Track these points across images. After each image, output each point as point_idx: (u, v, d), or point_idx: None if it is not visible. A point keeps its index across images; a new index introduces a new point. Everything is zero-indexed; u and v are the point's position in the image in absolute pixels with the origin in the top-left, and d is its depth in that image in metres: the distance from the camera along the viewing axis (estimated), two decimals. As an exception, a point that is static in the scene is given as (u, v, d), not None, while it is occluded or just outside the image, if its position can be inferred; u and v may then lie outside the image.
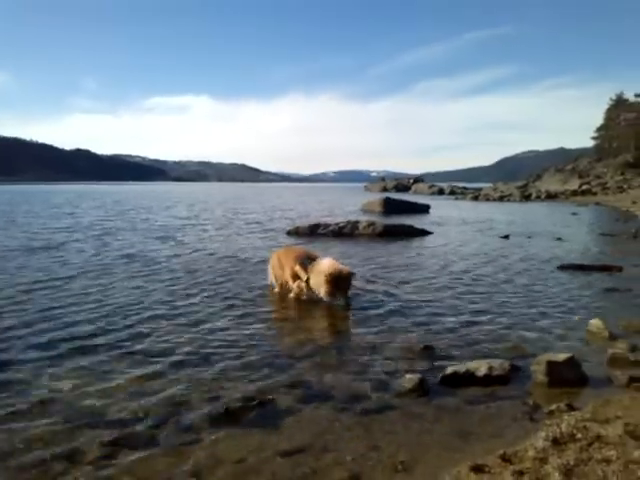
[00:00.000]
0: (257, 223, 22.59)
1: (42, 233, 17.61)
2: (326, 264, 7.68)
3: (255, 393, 4.53)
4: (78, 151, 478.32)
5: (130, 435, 3.80)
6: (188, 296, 8.19)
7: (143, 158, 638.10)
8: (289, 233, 17.79)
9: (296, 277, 8.07)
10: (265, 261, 10.39)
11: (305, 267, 7.92)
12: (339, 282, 7.51)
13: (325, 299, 7.62)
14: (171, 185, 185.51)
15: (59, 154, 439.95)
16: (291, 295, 8.13)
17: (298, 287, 8.05)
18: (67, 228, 19.59)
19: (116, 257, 12.20)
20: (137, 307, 7.43)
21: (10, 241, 15.01)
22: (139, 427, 3.93)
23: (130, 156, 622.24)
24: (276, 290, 8.57)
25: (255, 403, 4.30)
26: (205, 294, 8.35)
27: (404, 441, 3.75)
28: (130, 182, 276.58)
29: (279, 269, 8.56)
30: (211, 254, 12.86)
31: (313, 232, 17.50)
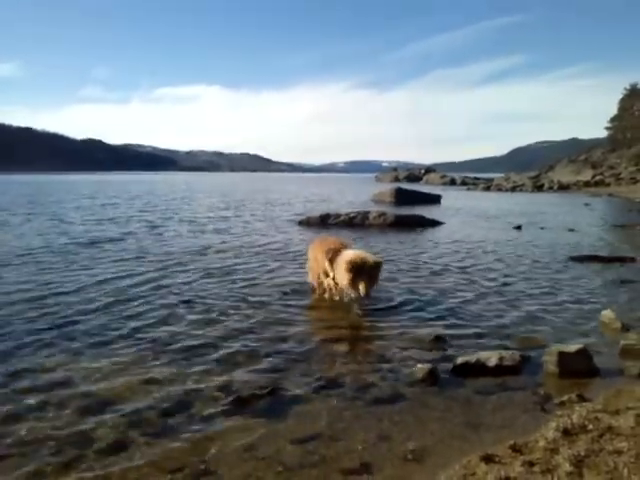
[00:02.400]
0: (294, 214, 21.57)
1: (90, 225, 16.96)
2: (350, 253, 6.81)
3: (266, 382, 4.55)
4: (90, 141, 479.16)
5: (142, 422, 3.83)
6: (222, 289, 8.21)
7: (154, 148, 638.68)
8: (300, 223, 17.78)
9: (327, 274, 7.22)
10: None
11: (332, 262, 7.03)
12: (363, 272, 6.52)
13: (347, 292, 6.86)
14: (188, 175, 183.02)
15: (71, 144, 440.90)
16: (325, 296, 7.36)
17: (328, 286, 7.28)
18: (113, 220, 18.83)
19: (185, 252, 11.57)
20: (160, 296, 7.49)
21: (66, 235, 14.29)
22: (151, 415, 3.96)
23: (141, 146, 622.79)
24: (314, 288, 7.80)
25: (266, 391, 4.32)
26: (244, 287, 8.27)
27: (414, 430, 3.76)
28: (144, 172, 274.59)
29: (315, 264, 7.68)
30: (261, 246, 12.64)
31: (324, 222, 17.49)
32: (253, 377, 4.68)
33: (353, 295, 6.76)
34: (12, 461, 3.34)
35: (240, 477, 3.17)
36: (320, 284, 7.58)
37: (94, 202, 29.26)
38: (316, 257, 7.54)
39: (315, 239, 8.43)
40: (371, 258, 6.67)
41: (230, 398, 4.20)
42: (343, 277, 6.65)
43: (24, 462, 3.32)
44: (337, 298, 7.17)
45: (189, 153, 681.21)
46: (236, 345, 5.52)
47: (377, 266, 6.66)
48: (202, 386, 4.47)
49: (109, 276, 8.76)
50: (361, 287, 6.51)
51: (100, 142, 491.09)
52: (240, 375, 4.72)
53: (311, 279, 7.91)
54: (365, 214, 17.87)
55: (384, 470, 3.25)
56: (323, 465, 3.30)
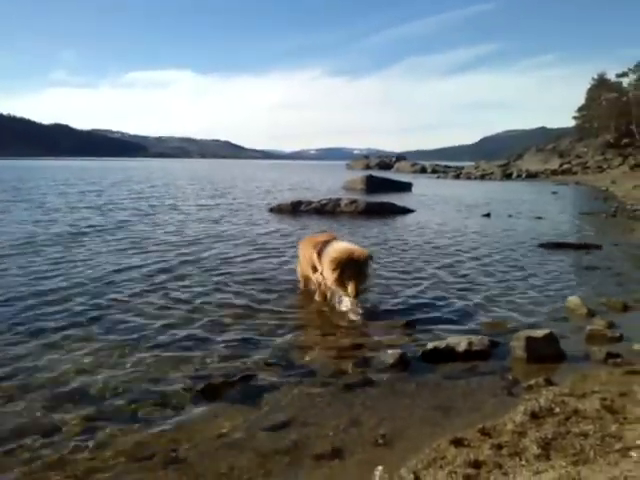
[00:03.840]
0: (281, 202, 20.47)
1: (81, 213, 16.30)
2: (334, 248, 6.18)
3: (237, 369, 4.53)
4: (57, 126, 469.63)
5: (111, 411, 3.79)
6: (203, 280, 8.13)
7: (123, 134, 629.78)
8: (272, 210, 17.70)
9: (316, 268, 6.58)
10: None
11: (320, 255, 6.39)
12: (349, 269, 5.93)
13: (334, 292, 6.40)
14: (161, 162, 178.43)
15: (38, 129, 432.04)
16: (316, 297, 6.73)
17: (317, 282, 6.65)
18: (102, 207, 18.14)
19: (178, 242, 11.11)
20: (133, 282, 7.41)
21: (58, 224, 13.63)
22: (120, 403, 3.92)
23: (110, 131, 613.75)
24: (300, 286, 7.31)
25: (237, 379, 4.29)
26: (216, 276, 8.22)
27: (385, 415, 3.78)
28: (114, 158, 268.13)
29: (303, 261, 7.13)
30: (250, 236, 12.49)
31: (295, 209, 17.45)
32: (224, 365, 4.65)
33: (342, 295, 6.22)
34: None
35: (211, 464, 3.16)
36: (306, 282, 7.14)
37: (76, 189, 28.13)
38: (304, 254, 7.04)
39: (305, 237, 8.04)
40: (358, 253, 6.05)
41: (201, 386, 4.16)
42: (329, 276, 6.08)
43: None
44: (328, 295, 6.57)
45: (159, 139, 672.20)
46: (207, 334, 5.48)
47: (365, 261, 6.06)
48: (173, 374, 4.44)
49: (105, 266, 8.57)
50: (349, 287, 5.94)
51: (67, 127, 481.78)
52: (210, 363, 4.69)
53: (299, 276, 7.42)
54: (336, 201, 17.88)
55: (355, 455, 3.27)
56: (295, 451, 3.30)
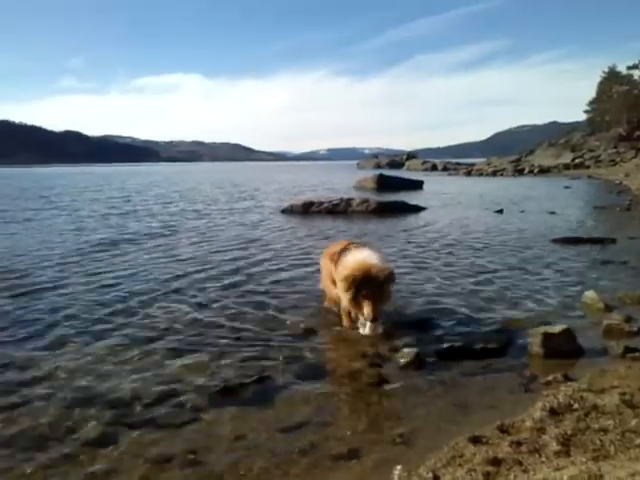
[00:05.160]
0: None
1: (116, 219, 16.27)
2: (349, 263, 5.24)
3: (253, 371, 4.53)
4: (68, 133, 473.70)
5: (128, 414, 3.81)
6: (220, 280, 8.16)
7: (134, 139, 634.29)
8: (284, 211, 17.68)
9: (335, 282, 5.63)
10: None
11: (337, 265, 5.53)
12: (366, 288, 5.00)
13: (345, 312, 5.65)
14: (175, 166, 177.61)
15: (49, 136, 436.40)
16: (344, 323, 5.70)
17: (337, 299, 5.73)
18: (134, 213, 18.08)
19: (209, 251, 10.58)
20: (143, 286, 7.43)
21: (99, 231, 13.49)
22: (137, 406, 3.93)
23: (121, 137, 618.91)
24: (326, 304, 6.39)
25: (253, 380, 4.30)
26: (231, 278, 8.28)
27: (402, 414, 3.78)
28: (127, 164, 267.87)
29: (325, 274, 6.23)
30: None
31: (307, 210, 17.42)
32: (239, 366, 4.65)
33: (359, 316, 5.38)
34: (-3, 457, 3.29)
35: (230, 466, 3.16)
36: (331, 297, 6.15)
37: (101, 195, 28.06)
38: (325, 265, 6.21)
39: (327, 246, 7.03)
40: (377, 268, 5.10)
41: (218, 387, 4.18)
42: (342, 295, 5.28)
43: (7, 458, 3.28)
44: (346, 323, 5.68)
45: (170, 143, 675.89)
46: (223, 335, 5.49)
47: (386, 279, 5.12)
48: (188, 376, 4.45)
49: (139, 273, 8.55)
50: (365, 309, 5.06)
51: (79, 134, 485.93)
52: (226, 365, 4.70)
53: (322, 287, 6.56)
54: (348, 201, 17.82)
55: (373, 454, 3.26)
56: (312, 452, 3.30)
